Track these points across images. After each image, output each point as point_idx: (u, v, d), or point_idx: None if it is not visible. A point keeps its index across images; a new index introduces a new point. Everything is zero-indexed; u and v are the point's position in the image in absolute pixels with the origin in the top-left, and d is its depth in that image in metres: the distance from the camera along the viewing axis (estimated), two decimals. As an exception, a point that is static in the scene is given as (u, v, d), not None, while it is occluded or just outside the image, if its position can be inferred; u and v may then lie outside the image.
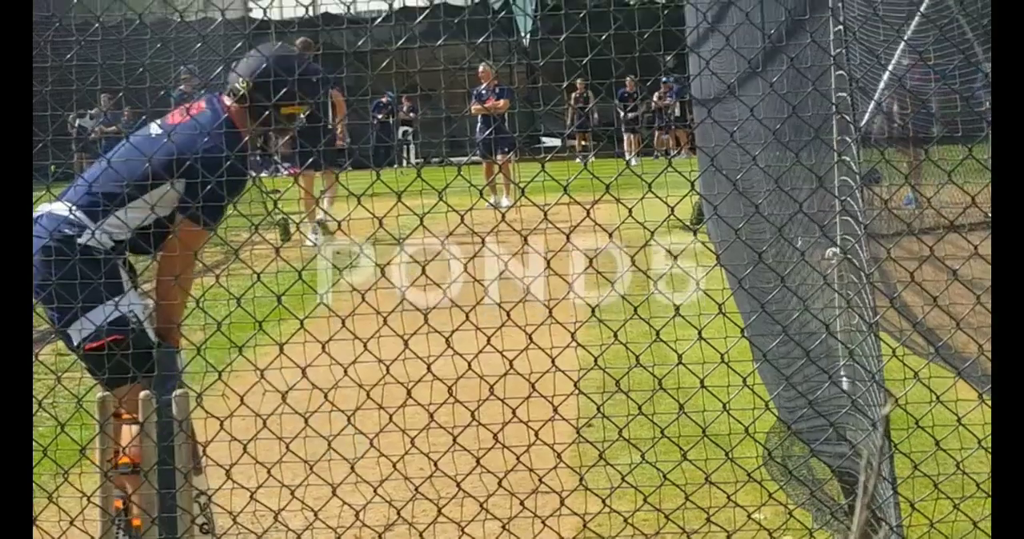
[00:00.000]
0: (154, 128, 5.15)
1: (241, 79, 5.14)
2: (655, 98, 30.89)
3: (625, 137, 30.14)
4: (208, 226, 5.00)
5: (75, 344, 4.91)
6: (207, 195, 4.81)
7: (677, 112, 30.38)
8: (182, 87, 16.86)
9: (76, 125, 24.88)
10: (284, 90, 4.95)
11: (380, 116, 31.00)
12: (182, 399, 4.53)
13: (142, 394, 4.53)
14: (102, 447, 4.56)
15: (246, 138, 5.06)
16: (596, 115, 30.99)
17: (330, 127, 17.11)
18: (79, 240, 4.89)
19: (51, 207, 4.98)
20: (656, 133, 31.08)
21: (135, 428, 4.67)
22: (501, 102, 19.48)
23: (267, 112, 5.07)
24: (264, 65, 5.12)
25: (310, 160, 16.38)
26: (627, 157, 23.52)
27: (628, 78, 27.40)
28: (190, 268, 5.07)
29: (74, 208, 4.92)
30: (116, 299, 4.87)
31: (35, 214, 4.88)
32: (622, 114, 30.42)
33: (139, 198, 4.93)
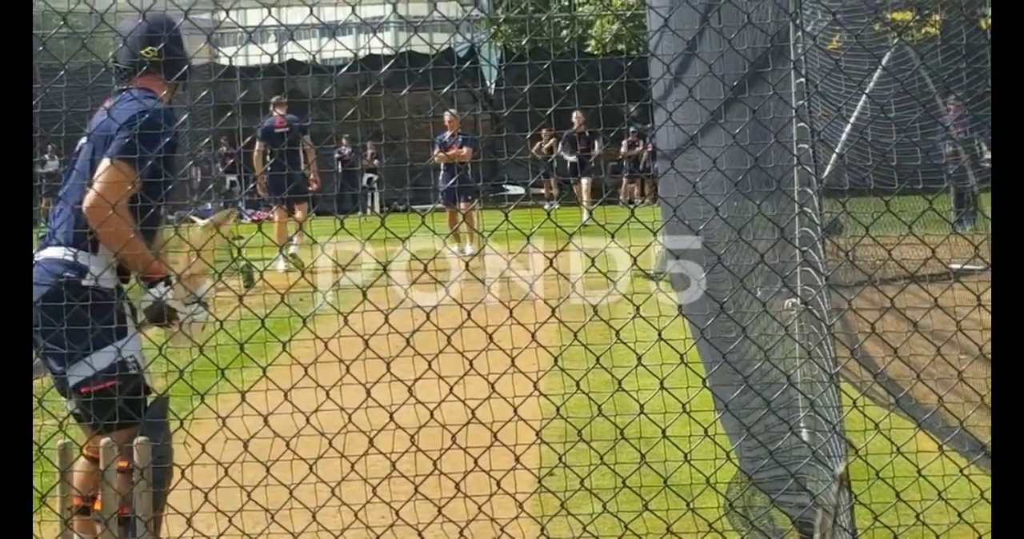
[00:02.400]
0: (82, 141, 5.13)
1: (143, 50, 5.12)
2: (624, 147, 30.78)
3: (584, 181, 28.70)
4: (134, 169, 4.83)
5: (72, 386, 4.85)
6: (141, 146, 4.79)
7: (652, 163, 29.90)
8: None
9: (45, 170, 24.77)
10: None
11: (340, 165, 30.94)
12: (143, 447, 4.51)
13: (103, 442, 4.51)
14: (62, 494, 4.52)
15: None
16: (577, 160, 30.35)
17: (303, 172, 17.25)
18: (83, 283, 4.85)
19: (45, 253, 4.93)
20: (624, 182, 30.97)
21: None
22: (465, 151, 19.49)
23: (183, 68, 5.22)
24: (150, 30, 5.12)
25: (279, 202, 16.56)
26: (589, 208, 23.28)
27: (575, 114, 26.47)
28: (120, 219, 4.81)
29: (71, 251, 4.86)
30: (118, 344, 4.84)
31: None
32: (570, 158, 28.11)
33: None
